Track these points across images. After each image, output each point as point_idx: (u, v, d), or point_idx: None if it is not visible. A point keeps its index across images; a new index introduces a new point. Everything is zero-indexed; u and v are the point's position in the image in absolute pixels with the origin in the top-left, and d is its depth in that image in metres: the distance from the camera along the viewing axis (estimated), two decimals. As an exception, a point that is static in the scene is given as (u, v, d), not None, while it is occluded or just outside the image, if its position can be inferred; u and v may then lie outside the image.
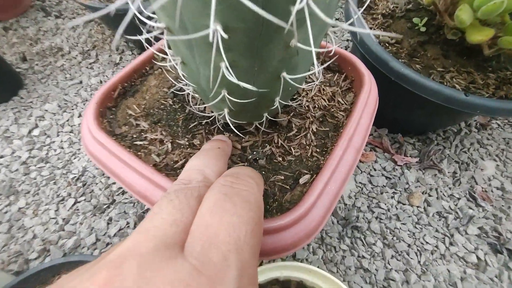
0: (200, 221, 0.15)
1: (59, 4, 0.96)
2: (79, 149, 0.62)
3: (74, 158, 0.60)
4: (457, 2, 0.41)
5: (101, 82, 0.74)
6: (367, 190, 0.51)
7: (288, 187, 0.28)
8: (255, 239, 0.15)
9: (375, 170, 0.54)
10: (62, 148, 0.62)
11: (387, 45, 0.47)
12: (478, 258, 0.45)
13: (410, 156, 0.55)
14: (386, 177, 0.53)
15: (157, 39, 0.21)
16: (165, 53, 0.23)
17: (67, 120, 0.66)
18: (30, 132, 0.64)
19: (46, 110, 0.68)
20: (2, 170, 0.59)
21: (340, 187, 0.27)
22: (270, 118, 0.28)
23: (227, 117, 0.25)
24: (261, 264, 0.37)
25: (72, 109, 0.68)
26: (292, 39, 0.17)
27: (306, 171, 0.29)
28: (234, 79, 0.17)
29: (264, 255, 0.24)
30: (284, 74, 0.20)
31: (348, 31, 0.52)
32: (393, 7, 0.52)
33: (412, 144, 0.57)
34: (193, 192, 0.17)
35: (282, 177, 0.28)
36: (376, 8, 0.51)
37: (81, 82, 0.74)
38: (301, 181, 0.28)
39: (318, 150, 0.31)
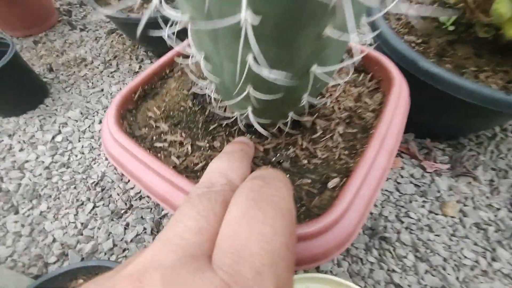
0: (228, 231, 0.13)
1: (84, 18, 1.01)
2: (99, 154, 0.63)
3: (94, 164, 0.61)
4: (491, -4, 0.38)
5: (121, 89, 0.75)
6: (394, 198, 0.48)
7: (315, 191, 0.26)
8: (289, 251, 0.13)
9: (402, 177, 0.50)
10: (83, 153, 0.63)
11: (413, 45, 0.45)
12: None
13: (440, 162, 0.51)
14: (415, 185, 0.49)
15: (178, 37, 0.21)
16: (186, 56, 0.22)
17: (88, 127, 0.68)
18: (53, 138, 0.66)
19: (69, 117, 0.70)
20: (27, 175, 0.60)
21: (374, 192, 0.24)
22: (294, 119, 0.26)
23: (250, 116, 0.24)
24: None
25: (93, 116, 0.70)
26: (325, 28, 0.16)
27: (334, 175, 0.27)
28: (263, 70, 0.16)
29: (291, 265, 0.22)
30: (315, 67, 0.19)
31: (371, 31, 0.50)
32: (417, 7, 0.50)
33: (442, 149, 0.53)
34: (217, 196, 0.16)
35: (309, 181, 0.26)
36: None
37: (102, 90, 0.76)
38: (330, 185, 0.26)
39: (346, 152, 0.29)
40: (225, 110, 0.31)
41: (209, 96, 0.33)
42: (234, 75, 0.19)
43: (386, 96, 0.31)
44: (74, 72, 0.82)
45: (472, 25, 0.44)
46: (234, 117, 0.29)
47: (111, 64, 0.83)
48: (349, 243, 0.23)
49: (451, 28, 0.45)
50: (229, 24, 0.13)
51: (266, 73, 0.16)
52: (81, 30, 0.96)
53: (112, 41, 0.91)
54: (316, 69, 0.19)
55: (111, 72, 0.81)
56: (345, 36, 0.16)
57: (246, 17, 0.13)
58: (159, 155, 0.29)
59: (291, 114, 0.25)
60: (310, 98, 0.23)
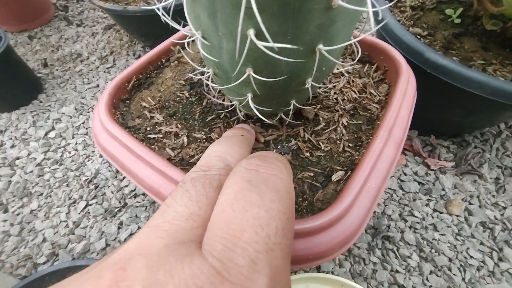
0: (220, 215, 0.12)
1: (81, 14, 0.99)
2: (93, 151, 0.61)
3: (88, 161, 0.59)
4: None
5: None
6: (397, 196, 0.47)
7: (318, 184, 0.24)
8: (287, 238, 0.12)
9: (405, 174, 0.49)
10: (77, 150, 0.61)
11: (418, 37, 0.44)
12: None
13: (444, 159, 0.50)
14: (419, 183, 0.48)
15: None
16: (182, 47, 0.21)
17: (83, 123, 0.66)
18: (46, 134, 0.64)
19: (63, 113, 0.68)
20: (18, 172, 0.58)
21: (381, 185, 0.23)
22: (297, 107, 0.24)
23: (250, 103, 0.22)
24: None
25: (88, 112, 0.68)
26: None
27: (338, 167, 0.25)
28: (264, 43, 0.14)
29: (293, 263, 0.20)
30: (321, 46, 0.17)
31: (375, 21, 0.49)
32: None
33: (446, 147, 0.52)
34: (212, 181, 0.15)
35: (311, 174, 0.25)
36: (404, 0, 0.48)
37: (98, 85, 0.74)
38: (334, 178, 0.24)
39: (351, 145, 0.27)
40: (223, 100, 0.29)
41: (206, 85, 0.31)
42: (233, 54, 0.18)
43: (393, 86, 0.30)
44: (70, 67, 0.80)
45: (479, 17, 0.43)
46: (233, 107, 0.27)
47: (107, 60, 0.81)
48: (355, 240, 0.22)
49: (458, 20, 0.44)
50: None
51: (270, 39, 0.15)
52: (78, 25, 0.95)
53: (109, 36, 0.89)
54: (322, 48, 0.17)
55: (108, 68, 0.79)
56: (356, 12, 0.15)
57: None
58: (153, 146, 0.27)
59: (293, 103, 0.24)
60: (314, 84, 0.21)
